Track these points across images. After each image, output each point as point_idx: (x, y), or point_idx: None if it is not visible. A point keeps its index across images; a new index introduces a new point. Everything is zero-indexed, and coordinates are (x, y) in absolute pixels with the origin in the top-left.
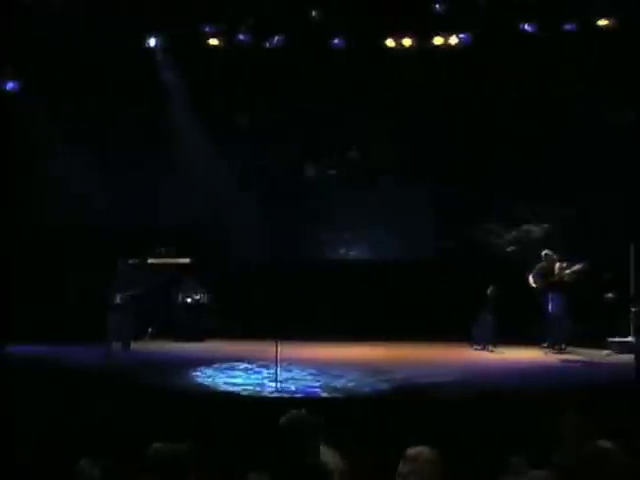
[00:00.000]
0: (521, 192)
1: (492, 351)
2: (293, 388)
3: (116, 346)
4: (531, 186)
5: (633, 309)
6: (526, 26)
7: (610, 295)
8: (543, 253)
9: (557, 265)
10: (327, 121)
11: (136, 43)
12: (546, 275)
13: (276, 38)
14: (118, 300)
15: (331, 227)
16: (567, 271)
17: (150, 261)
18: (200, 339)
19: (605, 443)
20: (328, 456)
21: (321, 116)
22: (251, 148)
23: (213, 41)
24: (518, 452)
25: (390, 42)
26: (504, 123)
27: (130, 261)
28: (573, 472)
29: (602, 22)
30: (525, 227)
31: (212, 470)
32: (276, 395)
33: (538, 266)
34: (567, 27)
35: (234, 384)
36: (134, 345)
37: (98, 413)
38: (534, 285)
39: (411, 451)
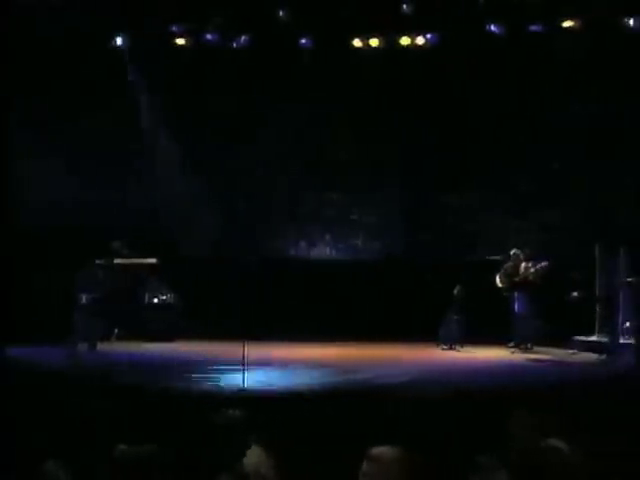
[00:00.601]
0: (491, 191)
1: (459, 351)
2: (259, 387)
3: (82, 347)
4: (501, 186)
5: (598, 308)
6: (492, 27)
7: (575, 294)
8: (511, 252)
9: (523, 265)
10: (295, 121)
11: (103, 43)
12: (512, 275)
13: (243, 38)
14: (84, 300)
15: (297, 227)
16: (532, 270)
17: (116, 261)
18: (167, 339)
19: (555, 442)
20: (254, 456)
21: (290, 116)
22: (217, 149)
23: (180, 41)
24: (487, 452)
25: (357, 42)
26: (475, 123)
27: (96, 261)
28: (521, 470)
29: (567, 23)
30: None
31: (178, 471)
32: (242, 394)
33: (505, 266)
34: (533, 28)
35: (201, 384)
36: (100, 346)
37: (64, 414)
38: (500, 285)
39: (375, 451)
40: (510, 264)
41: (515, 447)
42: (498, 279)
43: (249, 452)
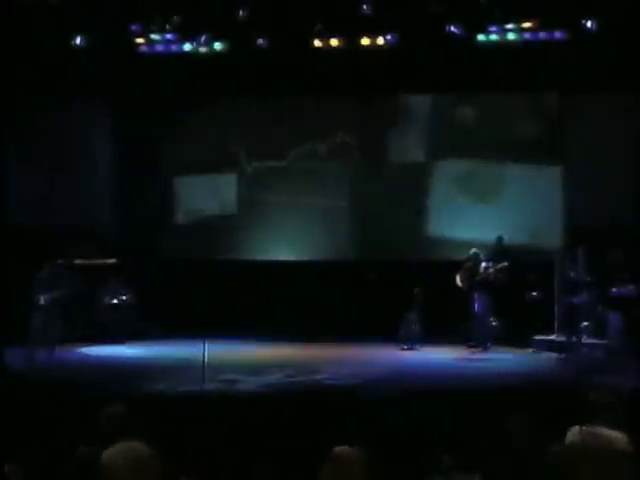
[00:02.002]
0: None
1: (418, 350)
2: (217, 388)
3: (40, 349)
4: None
5: (557, 308)
6: (452, 28)
7: (534, 294)
8: (470, 252)
9: (483, 265)
10: (251, 121)
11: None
12: (472, 275)
13: (203, 37)
14: (42, 301)
15: (251, 228)
16: (491, 270)
17: (76, 262)
18: (127, 340)
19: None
20: (135, 452)
21: (243, 115)
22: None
23: (139, 40)
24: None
25: (317, 42)
26: None
27: (55, 262)
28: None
29: (526, 24)
30: None
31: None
32: (203, 394)
33: (465, 265)
34: (493, 29)
35: (160, 384)
36: (59, 348)
37: (21, 417)
38: (460, 284)
39: (335, 450)
40: (469, 264)
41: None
42: (458, 278)
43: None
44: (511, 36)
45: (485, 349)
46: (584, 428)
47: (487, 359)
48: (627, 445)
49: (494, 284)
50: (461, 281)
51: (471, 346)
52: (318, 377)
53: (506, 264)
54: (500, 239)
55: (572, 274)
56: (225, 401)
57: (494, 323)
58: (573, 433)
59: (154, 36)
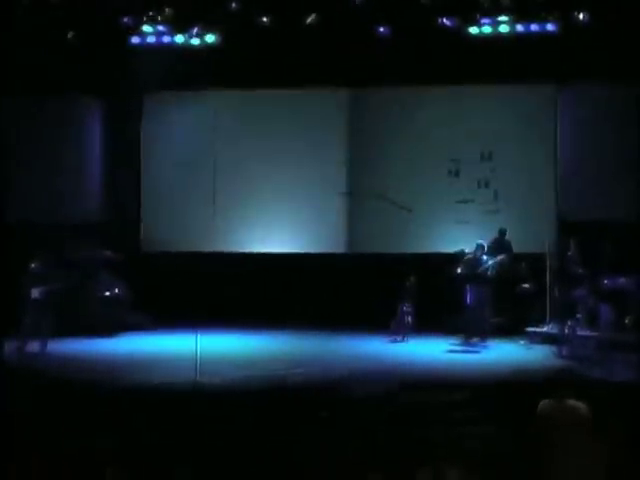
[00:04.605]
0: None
1: (409, 342)
2: (210, 381)
3: (32, 343)
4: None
5: (549, 300)
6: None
7: (526, 286)
8: (476, 243)
9: (484, 257)
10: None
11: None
12: (474, 266)
13: (195, 29)
14: (36, 295)
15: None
16: (490, 262)
17: (67, 255)
18: (118, 333)
19: None
20: None
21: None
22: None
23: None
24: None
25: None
26: None
27: (46, 255)
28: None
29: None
30: None
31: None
32: (195, 388)
33: (467, 256)
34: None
35: (154, 378)
36: (51, 341)
37: (13, 411)
38: (460, 272)
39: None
40: (470, 256)
41: None
42: (460, 269)
43: None
44: (503, 28)
45: (478, 341)
46: (552, 400)
47: (478, 351)
48: (588, 414)
49: (490, 277)
50: (462, 272)
51: (464, 338)
52: (305, 370)
53: (504, 257)
54: (502, 232)
55: (565, 266)
56: (214, 394)
57: (487, 315)
58: (543, 404)
59: (146, 28)
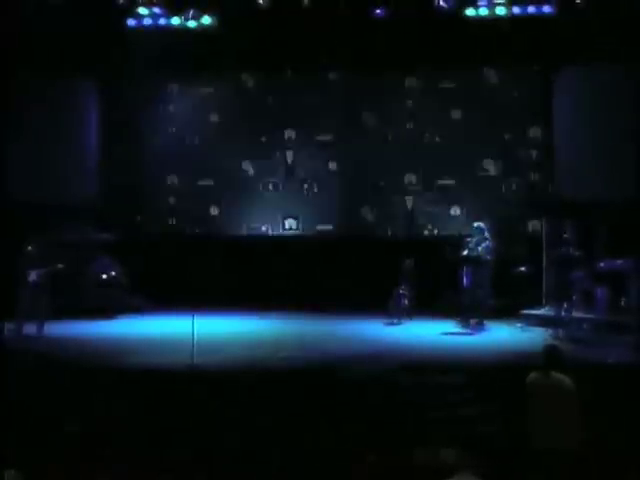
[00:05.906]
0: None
1: (404, 324)
2: (208, 362)
3: (29, 325)
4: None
5: (545, 282)
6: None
7: (522, 268)
8: (474, 225)
9: (484, 242)
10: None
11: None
12: (471, 249)
13: (191, 12)
14: (34, 277)
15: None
16: (485, 244)
17: (66, 237)
18: (116, 316)
19: None
20: None
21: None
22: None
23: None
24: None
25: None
26: None
27: (44, 237)
28: None
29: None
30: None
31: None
32: (191, 370)
33: (470, 238)
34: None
35: (151, 360)
36: (48, 324)
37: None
38: (465, 254)
39: None
40: (471, 239)
41: None
42: (464, 251)
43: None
44: (500, 10)
45: (475, 323)
46: (538, 372)
47: (475, 333)
48: (571, 384)
49: (486, 259)
50: (459, 254)
51: (460, 320)
52: (303, 354)
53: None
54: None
55: (562, 249)
56: (213, 377)
57: (484, 297)
58: (531, 376)
59: (142, 10)
